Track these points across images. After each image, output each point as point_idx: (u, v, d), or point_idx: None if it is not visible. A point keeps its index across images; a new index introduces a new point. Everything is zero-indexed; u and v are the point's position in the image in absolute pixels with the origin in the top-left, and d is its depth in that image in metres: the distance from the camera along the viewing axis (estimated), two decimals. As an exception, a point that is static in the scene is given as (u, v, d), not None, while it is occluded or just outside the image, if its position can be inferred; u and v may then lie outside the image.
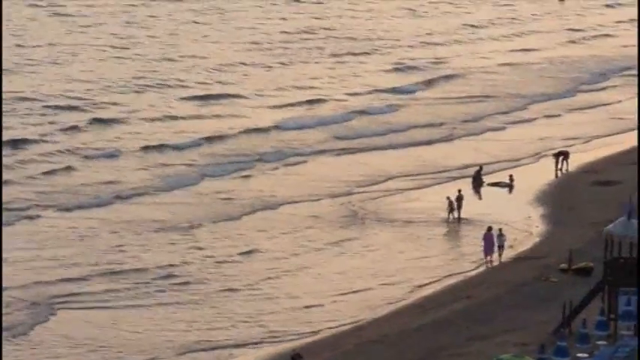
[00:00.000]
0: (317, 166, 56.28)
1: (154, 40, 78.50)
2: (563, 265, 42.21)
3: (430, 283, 42.71)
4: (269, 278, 42.29)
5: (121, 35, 79.54)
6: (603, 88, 71.82)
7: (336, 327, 38.39)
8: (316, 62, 74.97)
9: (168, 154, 56.70)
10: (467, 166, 55.04)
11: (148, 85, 67.98)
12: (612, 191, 50.59)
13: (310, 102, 66.27)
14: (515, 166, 56.10)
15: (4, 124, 58.93)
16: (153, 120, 61.95)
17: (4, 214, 47.56)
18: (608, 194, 50.15)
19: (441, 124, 63.64)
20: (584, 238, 44.43)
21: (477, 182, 53.77)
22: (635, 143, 59.58)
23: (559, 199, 51.91)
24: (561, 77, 73.75)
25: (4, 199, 49.14)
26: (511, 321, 37.65)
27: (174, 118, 62.77)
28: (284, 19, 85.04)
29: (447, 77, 72.76)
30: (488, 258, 44.80)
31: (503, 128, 63.67)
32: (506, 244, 45.49)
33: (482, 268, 44.36)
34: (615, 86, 72.48)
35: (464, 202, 49.35)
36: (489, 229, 45.25)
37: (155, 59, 73.54)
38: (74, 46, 75.86)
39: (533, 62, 77.04)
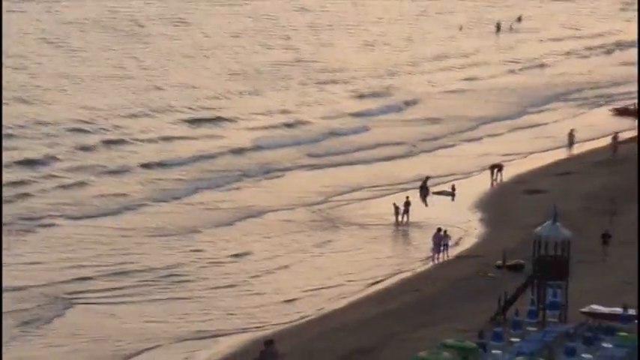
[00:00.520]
0: (293, 180, 56.18)
1: (145, 71, 77.96)
2: (499, 263, 42.17)
3: (384, 278, 42.59)
4: (256, 276, 42.26)
5: (118, 67, 79.01)
6: (541, 111, 71.63)
7: (306, 317, 38.38)
8: (290, 90, 74.61)
9: (165, 170, 56.39)
10: (421, 178, 55.05)
11: (144, 111, 67.45)
12: (540, 199, 50.58)
13: (287, 125, 66.03)
14: (461, 178, 56.03)
15: (21, 146, 58.57)
16: (150, 141, 61.59)
17: (25, 222, 47.28)
18: (537, 201, 50.15)
19: (401, 142, 63.54)
20: (516, 239, 44.29)
21: (424, 191, 53.24)
22: (560, 157, 59.90)
23: (494, 205, 51.79)
24: (505, 102, 73.71)
25: (25, 211, 48.92)
26: (454, 311, 37.74)
27: (169, 139, 62.34)
28: (256, 52, 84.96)
29: (406, 102, 72.52)
30: (436, 255, 44.62)
31: (453, 145, 63.67)
32: (450, 243, 45.19)
33: (428, 265, 44.30)
34: (553, 109, 72.19)
35: (411, 208, 48.94)
36: (439, 230, 45.15)
37: (148, 88, 73.09)
38: (78, 77, 75.27)
39: (480, 89, 77.02)
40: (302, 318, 38.26)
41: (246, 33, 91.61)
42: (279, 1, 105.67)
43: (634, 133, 63.52)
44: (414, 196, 51.84)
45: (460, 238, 46.75)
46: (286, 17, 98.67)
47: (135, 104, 68.90)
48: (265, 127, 65.34)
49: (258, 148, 61.08)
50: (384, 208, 49.83)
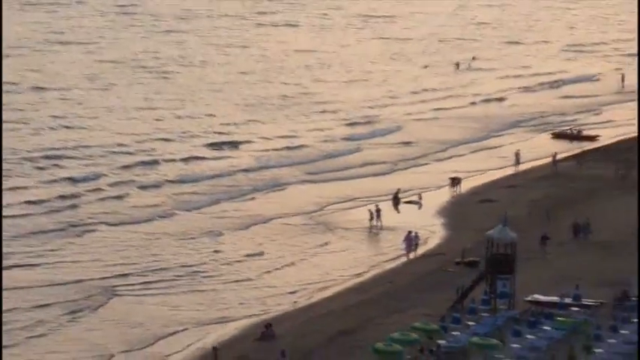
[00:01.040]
0: (295, 193, 55.90)
1: (169, 102, 76.56)
2: (457, 260, 42.07)
3: (363, 272, 42.69)
4: (267, 272, 42.73)
5: (146, 99, 77.77)
6: (499, 136, 70.65)
7: (299, 305, 38.84)
8: (291, 118, 73.42)
9: (189, 185, 55.91)
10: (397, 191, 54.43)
11: (169, 137, 66.31)
12: (492, 207, 50.09)
13: (289, 148, 65.30)
14: (431, 190, 55.53)
15: (68, 165, 58.12)
16: (175, 161, 60.66)
17: (73, 229, 47.19)
18: (489, 209, 49.64)
19: (384, 162, 63.20)
20: (473, 240, 43.80)
21: (396, 200, 52.71)
22: (509, 173, 59.10)
23: (454, 212, 51.31)
24: (469, 128, 72.94)
25: (75, 219, 48.78)
26: (421, 299, 37.58)
27: (191, 159, 61.35)
28: (262, 87, 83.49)
29: (388, 129, 71.66)
30: (408, 253, 44.60)
31: (426, 164, 63.08)
32: (418, 243, 45.20)
33: (399, 262, 44.01)
34: (508, 135, 71.07)
35: (382, 214, 48.76)
36: (410, 232, 45.19)
37: (171, 117, 72.07)
38: (112, 107, 74.36)
39: (448, 118, 76.08)
40: (296, 305, 38.67)
41: (252, 71, 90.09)
42: (280, 45, 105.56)
43: (570, 153, 63.39)
44: (388, 204, 51.68)
45: (426, 239, 46.56)
46: (285, 58, 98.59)
47: (161, 131, 67.85)
48: (270, 150, 64.59)
49: (265, 167, 60.50)
50: (367, 215, 49.61)
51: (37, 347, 35.23)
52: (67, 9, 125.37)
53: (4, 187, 52.04)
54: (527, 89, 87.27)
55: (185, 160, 61.34)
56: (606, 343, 32.16)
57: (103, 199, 52.49)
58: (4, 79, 78.37)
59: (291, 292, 40.30)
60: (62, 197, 52.20)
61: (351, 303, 37.95)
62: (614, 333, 32.95)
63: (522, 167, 61.44)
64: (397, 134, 70.35)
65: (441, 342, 31.97)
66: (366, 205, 51.67)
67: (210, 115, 73.57)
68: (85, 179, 55.58)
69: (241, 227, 49.01)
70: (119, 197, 53.18)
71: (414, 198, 53.62)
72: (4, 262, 41.65)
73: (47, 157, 59.67)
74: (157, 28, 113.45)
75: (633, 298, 35.62)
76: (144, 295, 39.85)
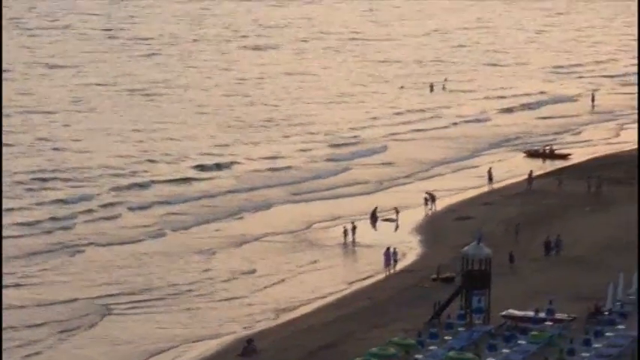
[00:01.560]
0: (280, 212, 56.30)
1: (155, 125, 77.02)
2: (434, 276, 42.33)
3: (342, 289, 43.04)
4: (257, 291, 43.25)
5: (130, 121, 78.16)
6: (479, 155, 71.08)
7: (280, 320, 39.41)
8: (274, 140, 73.77)
9: (179, 205, 56.44)
10: (381, 209, 54.75)
11: (157, 158, 66.86)
12: (467, 224, 50.33)
13: (273, 169, 65.54)
14: (411, 208, 55.74)
15: (58, 187, 58.42)
16: (164, 182, 61.06)
17: (67, 249, 47.59)
18: (465, 226, 49.86)
19: (367, 182, 63.44)
20: (448, 256, 44.18)
21: (374, 218, 52.93)
22: (484, 191, 59.53)
23: (431, 229, 51.57)
24: (451, 148, 73.39)
25: (66, 240, 49.16)
26: (399, 314, 37.76)
27: (179, 180, 61.70)
28: (245, 112, 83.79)
29: (372, 149, 71.86)
30: (387, 269, 44.87)
31: (410, 183, 63.36)
32: (397, 259, 45.27)
33: (377, 278, 44.15)
34: (489, 154, 71.47)
35: (357, 231, 49.11)
36: (388, 248, 45.34)
37: (158, 139, 72.45)
38: (99, 130, 74.83)
39: (431, 138, 76.45)
40: (277, 319, 39.21)
41: (235, 93, 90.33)
42: (261, 67, 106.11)
43: (544, 171, 64.08)
44: (366, 222, 52.12)
45: (404, 256, 46.90)
46: (267, 80, 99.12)
47: (148, 153, 68.21)
48: (256, 171, 64.87)
49: (251, 188, 60.66)
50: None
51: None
52: (53, 32, 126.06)
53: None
54: (505, 110, 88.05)
55: (172, 181, 61.85)
56: (579, 356, 32.74)
57: (93, 221, 52.88)
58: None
59: (273, 309, 40.87)
60: (53, 219, 52.76)
61: (332, 318, 38.29)
62: (587, 347, 33.51)
63: (497, 185, 61.98)
64: (381, 155, 70.83)
65: (418, 356, 32.44)
66: (343, 223, 52.07)
67: (195, 137, 74.11)
68: (74, 201, 56.05)
69: (230, 246, 49.52)
70: (109, 218, 53.55)
71: (392, 215, 53.81)
72: (-2, 283, 42.15)
73: (37, 180, 60.25)
74: (141, 51, 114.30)
75: (606, 313, 36.35)
76: (135, 314, 40.39)
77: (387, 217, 53.84)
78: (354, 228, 49.61)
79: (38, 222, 52.06)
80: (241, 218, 55.25)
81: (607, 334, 34.52)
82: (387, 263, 45.24)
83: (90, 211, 54.52)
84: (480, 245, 36.28)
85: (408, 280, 43.19)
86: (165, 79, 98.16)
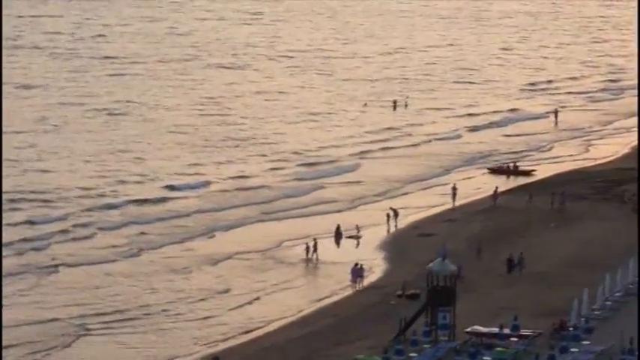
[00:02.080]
0: (248, 232, 57.06)
1: (123, 145, 77.56)
2: (399, 292, 42.76)
3: (307, 306, 43.50)
4: (230, 310, 44.01)
5: (95, 141, 78.65)
6: (448, 173, 71.76)
7: (245, 338, 39.98)
8: (242, 160, 74.27)
9: (149, 225, 57.14)
10: (349, 227, 55.55)
11: (127, 179, 67.27)
12: (431, 240, 50.70)
13: (244, 189, 66.10)
14: (371, 226, 56.49)
15: (25, 207, 59.08)
16: (135, 202, 61.74)
17: (39, 270, 48.22)
18: (429, 242, 50.19)
19: (335, 201, 64.08)
20: (413, 273, 44.41)
21: (338, 236, 53.52)
22: (448, 207, 60.07)
23: (395, 246, 51.83)
24: (421, 165, 74.28)
25: (38, 261, 49.77)
26: (364, 331, 38.04)
27: (148, 201, 62.21)
28: (211, 131, 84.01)
29: (342, 169, 72.58)
30: (354, 285, 45.46)
31: (380, 201, 63.92)
32: (364, 275, 45.85)
33: (343, 294, 44.72)
34: (459, 172, 72.18)
35: (319, 248, 49.78)
36: (356, 264, 46.01)
37: (127, 160, 73.10)
38: (61, 150, 75.23)
39: (400, 156, 77.40)
40: (242, 339, 39.74)
41: (202, 112, 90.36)
42: (227, 87, 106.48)
43: (508, 187, 65.18)
44: (330, 240, 53.05)
45: (369, 272, 47.35)
46: (234, 99, 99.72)
47: (116, 173, 68.64)
48: (225, 191, 65.44)
49: (220, 209, 61.50)
50: (319, 251, 51.04)
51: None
52: (19, 52, 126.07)
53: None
54: (473, 129, 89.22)
55: (143, 201, 62.46)
56: (544, 372, 33.38)
57: (64, 241, 53.25)
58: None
59: (245, 332, 41.52)
60: (24, 240, 53.40)
61: (296, 336, 38.43)
62: (553, 362, 34.08)
63: (461, 202, 62.72)
64: (351, 173, 71.71)
65: (384, 373, 32.97)
66: (309, 240, 52.22)
67: (165, 157, 74.82)
68: (45, 221, 56.54)
69: (202, 264, 50.03)
70: (80, 239, 53.97)
71: (355, 233, 54.29)
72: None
73: (6, 201, 60.46)
74: (107, 70, 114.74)
75: (570, 328, 37.18)
76: (107, 334, 40.83)
77: (352, 234, 54.38)
78: (315, 245, 50.11)
79: (9, 243, 52.56)
80: (213, 237, 55.56)
81: (572, 349, 34.92)
82: (354, 279, 45.74)
83: (61, 231, 54.87)
84: (444, 262, 36.68)
85: (373, 296, 43.42)
86: (131, 98, 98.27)
